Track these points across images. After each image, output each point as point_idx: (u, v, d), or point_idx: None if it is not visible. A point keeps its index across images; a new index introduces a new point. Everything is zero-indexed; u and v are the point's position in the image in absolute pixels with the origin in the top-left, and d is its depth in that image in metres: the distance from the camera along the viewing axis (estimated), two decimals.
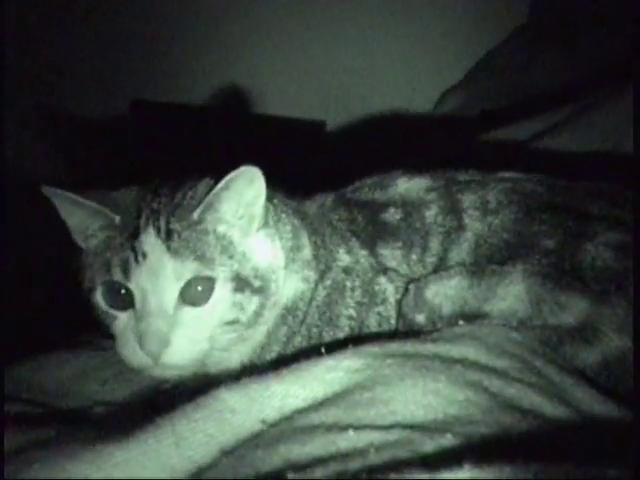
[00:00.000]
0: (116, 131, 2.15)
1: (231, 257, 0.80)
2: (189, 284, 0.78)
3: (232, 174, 0.77)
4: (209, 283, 0.79)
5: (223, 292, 0.79)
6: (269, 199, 0.89)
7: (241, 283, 0.80)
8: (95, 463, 0.54)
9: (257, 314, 0.83)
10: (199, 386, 0.66)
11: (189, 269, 0.78)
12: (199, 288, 0.78)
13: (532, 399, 0.60)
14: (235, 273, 0.80)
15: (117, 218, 0.82)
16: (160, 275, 0.78)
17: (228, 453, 0.55)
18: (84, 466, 0.54)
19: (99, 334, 0.83)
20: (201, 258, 0.78)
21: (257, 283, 0.82)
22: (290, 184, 0.97)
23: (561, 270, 0.80)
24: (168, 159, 1.16)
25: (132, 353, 0.79)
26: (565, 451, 0.48)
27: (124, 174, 0.89)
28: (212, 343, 0.80)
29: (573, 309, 0.77)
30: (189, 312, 0.79)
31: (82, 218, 0.83)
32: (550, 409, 0.59)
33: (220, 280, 0.79)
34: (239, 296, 0.80)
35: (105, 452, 0.55)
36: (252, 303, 0.81)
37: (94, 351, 0.92)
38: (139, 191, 0.86)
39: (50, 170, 2.05)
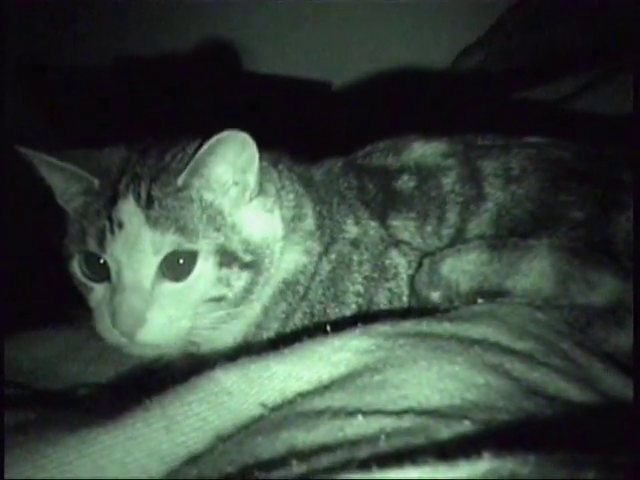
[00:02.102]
0: (100, 88, 2.13)
1: (218, 229, 0.80)
2: (169, 257, 0.78)
3: (215, 138, 0.76)
4: (191, 256, 0.78)
5: (206, 266, 0.79)
6: (274, 165, 0.89)
7: (228, 257, 0.80)
8: (78, 449, 0.54)
9: (247, 290, 0.82)
10: (192, 366, 0.66)
11: (169, 241, 0.77)
12: (180, 261, 0.78)
13: (558, 384, 0.60)
14: (220, 246, 0.79)
15: (96, 182, 0.82)
16: (137, 247, 0.77)
17: (224, 439, 0.55)
18: (67, 452, 0.54)
19: (84, 309, 0.83)
20: (183, 229, 0.78)
21: (247, 257, 0.81)
22: (295, 149, 0.96)
23: (590, 245, 0.80)
24: (159, 120, 1.15)
25: (107, 329, 0.79)
26: (593, 440, 0.48)
27: (111, 133, 0.88)
28: (195, 321, 0.80)
29: (603, 288, 0.76)
30: (168, 287, 0.78)
31: (60, 181, 0.83)
32: (577, 395, 0.59)
33: (203, 253, 0.79)
34: (225, 271, 0.80)
35: (89, 437, 0.55)
36: (241, 279, 0.81)
37: (77, 327, 0.92)
38: (126, 152, 0.85)
39: (33, 127, 2.04)
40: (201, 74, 2.13)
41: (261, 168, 0.83)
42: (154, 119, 1.18)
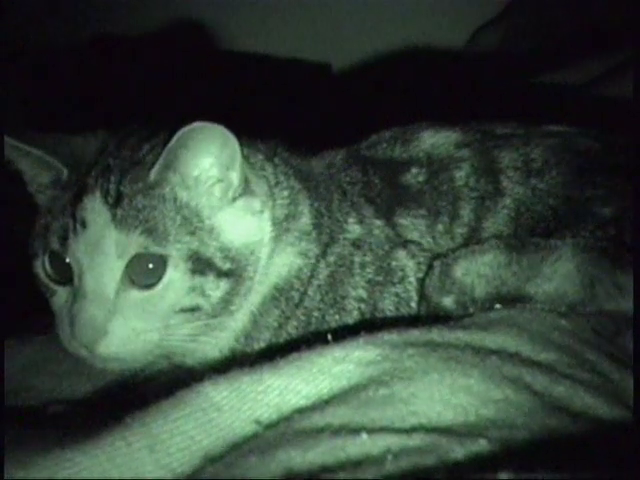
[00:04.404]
0: (77, 70, 2.13)
1: (192, 232, 0.80)
2: (135, 261, 0.78)
3: (183, 130, 0.76)
4: (160, 262, 0.78)
5: (177, 274, 0.78)
6: (270, 158, 0.89)
7: (202, 264, 0.80)
8: (52, 470, 0.54)
9: (225, 301, 0.82)
10: (177, 379, 0.66)
11: (135, 243, 0.77)
12: (149, 266, 0.78)
13: (584, 399, 0.60)
14: (194, 252, 0.79)
15: (65, 172, 0.82)
16: (100, 249, 0.77)
17: (214, 460, 0.55)
18: (39, 474, 0.54)
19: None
20: (151, 231, 0.78)
21: (226, 265, 0.81)
22: (292, 138, 0.96)
23: (620, 244, 0.80)
24: (150, 107, 1.16)
25: (67, 338, 0.79)
26: (623, 460, 0.48)
27: (89, 118, 0.88)
28: (166, 333, 0.79)
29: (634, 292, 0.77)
30: (134, 296, 0.78)
31: (28, 167, 0.84)
32: (606, 411, 0.59)
33: (174, 259, 0.78)
34: (199, 279, 0.79)
35: (64, 458, 0.55)
36: (218, 288, 0.81)
37: (49, 338, 0.91)
38: (103, 139, 0.85)
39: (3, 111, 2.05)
40: (193, 55, 2.13)
41: (255, 163, 0.83)
42: (145, 105, 1.18)
